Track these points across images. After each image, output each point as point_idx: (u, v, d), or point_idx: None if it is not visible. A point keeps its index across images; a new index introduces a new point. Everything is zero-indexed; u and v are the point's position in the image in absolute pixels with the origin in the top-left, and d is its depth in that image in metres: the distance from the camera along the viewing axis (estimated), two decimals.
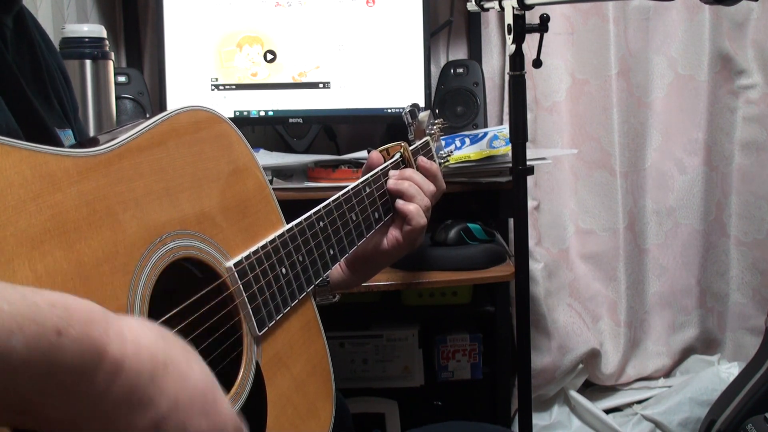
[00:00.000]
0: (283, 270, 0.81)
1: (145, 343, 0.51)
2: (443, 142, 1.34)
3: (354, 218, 0.98)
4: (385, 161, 1.09)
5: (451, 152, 1.34)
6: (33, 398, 0.45)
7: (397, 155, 1.11)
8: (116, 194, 0.63)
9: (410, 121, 1.20)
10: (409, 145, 1.14)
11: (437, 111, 1.82)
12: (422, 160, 1.13)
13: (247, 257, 0.76)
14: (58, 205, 0.57)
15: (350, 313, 1.78)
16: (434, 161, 1.21)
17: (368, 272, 1.11)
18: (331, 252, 0.91)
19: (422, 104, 1.77)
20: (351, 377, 1.79)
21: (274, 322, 0.78)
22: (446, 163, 1.32)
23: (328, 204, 0.92)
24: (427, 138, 1.22)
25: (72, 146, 0.68)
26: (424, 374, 1.81)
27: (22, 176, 0.54)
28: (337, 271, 1.09)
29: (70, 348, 0.45)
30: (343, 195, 0.96)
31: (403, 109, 1.21)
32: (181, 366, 0.53)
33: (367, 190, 1.02)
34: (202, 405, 0.54)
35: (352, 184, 0.99)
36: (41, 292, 0.47)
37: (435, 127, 1.27)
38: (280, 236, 0.82)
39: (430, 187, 1.10)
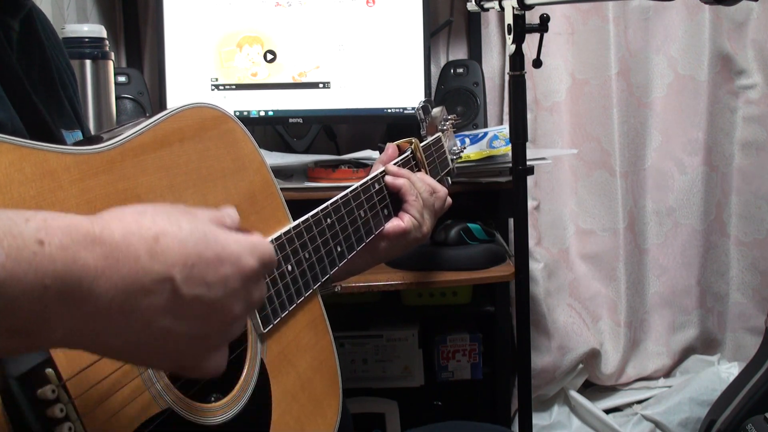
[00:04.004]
0: (289, 267, 0.80)
1: (129, 228, 0.49)
2: (456, 139, 1.34)
3: (362, 215, 0.96)
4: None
5: (464, 149, 1.34)
6: (37, 318, 0.44)
7: (408, 151, 1.11)
8: (118, 192, 0.63)
9: (423, 117, 1.19)
10: (421, 141, 1.14)
11: None
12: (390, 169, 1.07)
13: None
14: (58, 203, 0.56)
15: (350, 313, 1.78)
16: (446, 156, 1.20)
17: (376, 259, 1.08)
18: (339, 249, 0.90)
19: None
20: (351, 377, 1.79)
21: (279, 319, 0.78)
22: (458, 159, 1.32)
23: (336, 201, 0.92)
24: (439, 134, 1.22)
25: (74, 144, 0.68)
26: (424, 374, 1.80)
27: (22, 174, 0.54)
28: None
29: (60, 256, 0.44)
30: (351, 191, 0.95)
31: (416, 105, 1.20)
32: (172, 230, 0.51)
33: (377, 187, 1.01)
34: (213, 255, 0.52)
35: (361, 181, 0.98)
36: (15, 209, 0.45)
37: (448, 123, 1.26)
38: (286, 233, 0.81)
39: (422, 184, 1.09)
